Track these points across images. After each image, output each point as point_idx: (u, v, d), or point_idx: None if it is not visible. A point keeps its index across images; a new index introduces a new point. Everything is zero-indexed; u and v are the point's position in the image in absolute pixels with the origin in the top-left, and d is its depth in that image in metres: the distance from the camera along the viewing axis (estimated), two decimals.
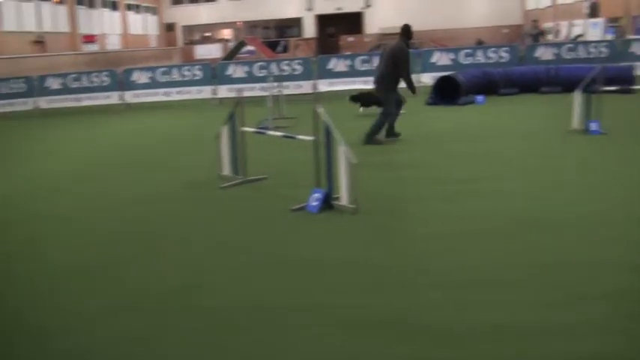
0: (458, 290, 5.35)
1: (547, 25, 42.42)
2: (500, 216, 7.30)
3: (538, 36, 30.65)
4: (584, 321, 4.68)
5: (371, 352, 4.41)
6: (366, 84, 20.52)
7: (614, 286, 5.29)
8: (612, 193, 8.02)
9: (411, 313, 4.95)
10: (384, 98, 12.19)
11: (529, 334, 4.52)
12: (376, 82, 12.24)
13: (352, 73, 20.77)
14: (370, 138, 11.90)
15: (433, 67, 20.50)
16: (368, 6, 52.24)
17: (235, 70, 20.98)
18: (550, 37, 40.38)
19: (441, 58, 20.93)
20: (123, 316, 5.17)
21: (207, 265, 6.23)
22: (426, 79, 20.21)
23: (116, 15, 49.02)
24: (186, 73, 21.27)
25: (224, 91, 20.55)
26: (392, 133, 12.26)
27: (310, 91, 20.11)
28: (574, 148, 10.87)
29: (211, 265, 6.24)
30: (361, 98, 16.19)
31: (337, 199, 7.77)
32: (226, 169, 9.50)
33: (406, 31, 12.04)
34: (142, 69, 22.09)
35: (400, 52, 11.79)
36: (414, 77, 20.26)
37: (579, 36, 35.16)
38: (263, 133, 9.86)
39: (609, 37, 31.06)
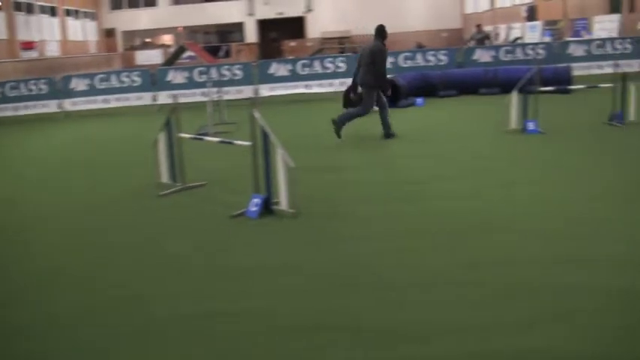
0: (399, 291, 5.36)
1: (486, 28, 42.98)
2: (443, 216, 7.35)
3: (483, 39, 31.06)
4: (530, 316, 4.75)
5: (313, 357, 4.39)
6: (308, 88, 20.64)
7: (559, 281, 5.37)
8: (554, 191, 8.16)
9: (352, 315, 4.93)
10: (365, 95, 12.37)
11: (473, 332, 4.56)
12: (361, 84, 12.47)
13: (293, 77, 20.77)
14: (340, 124, 12.41)
15: None
16: (309, 10, 52.31)
17: (175, 76, 20.75)
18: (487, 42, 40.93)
19: None
20: (60, 330, 5.04)
21: (146, 275, 6.12)
22: None
23: (55, 21, 48.18)
24: (125, 79, 20.93)
25: (164, 98, 20.21)
26: (389, 134, 12.51)
27: (252, 96, 19.97)
28: (512, 147, 11.04)
29: (151, 274, 6.13)
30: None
31: (277, 203, 7.73)
32: (165, 177, 9.38)
33: (381, 31, 12.44)
34: (80, 76, 21.63)
35: (379, 51, 12.17)
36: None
37: (518, 39, 35.73)
38: (200, 139, 9.76)
39: (547, 39, 31.69)
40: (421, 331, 4.64)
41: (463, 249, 6.28)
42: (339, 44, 45.53)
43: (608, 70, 16.76)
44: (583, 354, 4.23)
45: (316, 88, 20.80)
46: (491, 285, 5.38)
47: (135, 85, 20.77)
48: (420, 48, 31.84)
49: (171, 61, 29.30)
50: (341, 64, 20.91)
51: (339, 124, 12.42)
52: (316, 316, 4.97)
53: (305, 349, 4.50)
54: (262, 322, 4.93)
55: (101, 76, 21.11)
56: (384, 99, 12.53)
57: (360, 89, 12.51)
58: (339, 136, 12.42)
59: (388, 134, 12.49)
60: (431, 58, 21.11)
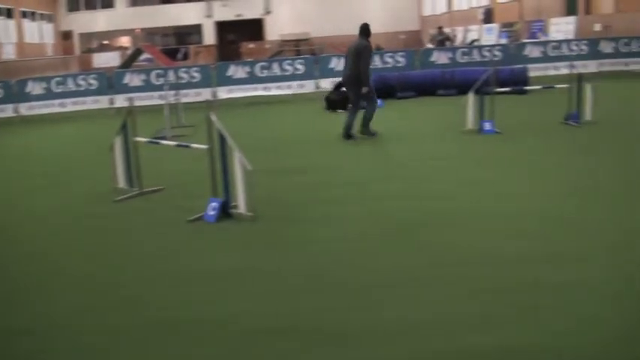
0: (361, 292, 5.36)
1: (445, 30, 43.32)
2: (403, 217, 7.38)
3: (444, 41, 31.39)
4: (493, 313, 4.82)
5: None
6: (266, 90, 20.58)
7: (522, 277, 5.45)
8: (511, 190, 8.26)
9: (314, 318, 4.92)
10: (364, 93, 12.49)
11: (437, 330, 4.60)
12: (347, 82, 12.71)
13: (252, 79, 20.67)
14: (367, 129, 12.61)
15: (332, 73, 20.58)
16: (268, 12, 52.23)
17: (132, 79, 20.46)
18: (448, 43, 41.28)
19: (339, 64, 21.01)
20: (18, 340, 4.93)
21: (103, 283, 6.00)
22: (326, 84, 20.32)
23: (11, 23, 47.40)
24: (81, 82, 20.55)
25: (121, 101, 19.84)
26: (349, 135, 12.59)
27: (210, 99, 19.83)
28: (469, 147, 11.15)
29: (108, 282, 6.01)
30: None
31: (235, 207, 7.67)
32: (121, 182, 9.25)
33: (366, 29, 12.69)
34: (35, 79, 21.26)
35: (365, 48, 12.40)
36: (312, 83, 20.54)
37: (475, 41, 36.08)
38: (157, 143, 9.64)
39: (503, 41, 32.04)
40: (385, 332, 4.63)
41: (425, 249, 6.30)
42: (295, 47, 45.43)
43: (564, 71, 16.99)
44: (546, 349, 4.28)
45: (275, 90, 20.74)
46: (455, 283, 5.42)
47: (92, 88, 20.42)
48: (379, 50, 31.97)
49: (128, 63, 28.99)
50: (299, 67, 20.87)
51: (366, 131, 12.61)
52: (278, 320, 4.94)
53: (268, 354, 4.46)
54: (224, 327, 4.88)
55: (58, 79, 20.72)
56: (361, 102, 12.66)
57: (344, 88, 12.83)
58: (373, 134, 12.63)
59: (348, 135, 12.51)
60: (389, 59, 21.20)
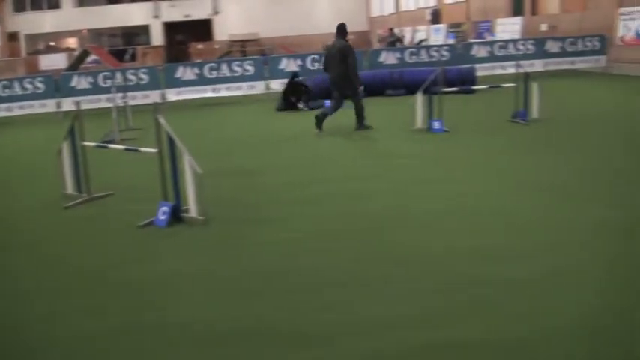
0: (315, 293, 5.38)
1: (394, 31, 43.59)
2: (356, 216, 7.43)
3: (395, 43, 31.65)
4: (439, 310, 4.88)
5: None
6: (216, 92, 20.44)
7: (475, 274, 5.53)
8: (460, 188, 8.36)
9: (269, 320, 4.91)
10: (350, 90, 12.98)
11: (386, 329, 4.63)
12: (335, 82, 13.03)
13: (201, 81, 20.52)
14: (361, 124, 13.13)
15: (281, 74, 20.55)
16: (216, 13, 51.90)
17: (79, 81, 20.07)
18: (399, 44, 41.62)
19: (289, 64, 21.03)
20: None
21: (53, 292, 5.87)
22: (275, 85, 20.31)
23: None
24: (28, 85, 20.05)
25: (68, 104, 19.30)
26: (319, 125, 13.08)
27: (158, 101, 19.59)
28: (419, 146, 11.27)
29: (60, 291, 5.88)
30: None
31: (186, 211, 7.60)
32: (70, 188, 9.09)
33: (343, 29, 13.10)
34: None
35: (348, 48, 12.81)
36: (262, 84, 20.52)
37: (423, 41, 36.36)
38: (105, 147, 9.46)
39: (451, 41, 32.36)
40: (341, 331, 4.66)
41: (377, 247, 6.36)
42: (243, 47, 45.24)
43: (511, 71, 17.16)
44: (496, 343, 4.34)
45: (225, 91, 20.63)
46: (409, 280, 5.47)
47: (38, 91, 19.91)
48: None
49: (75, 65, 28.52)
50: (249, 67, 20.78)
51: (361, 126, 13.12)
52: (232, 323, 4.91)
53: (221, 357, 4.44)
54: (178, 332, 4.83)
55: (4, 82, 20.21)
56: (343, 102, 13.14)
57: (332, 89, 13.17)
58: (368, 127, 13.14)
59: (319, 126, 13.08)
60: None
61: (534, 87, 12.97)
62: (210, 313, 5.12)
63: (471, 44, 23.52)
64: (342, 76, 12.83)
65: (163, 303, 5.43)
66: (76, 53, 37.02)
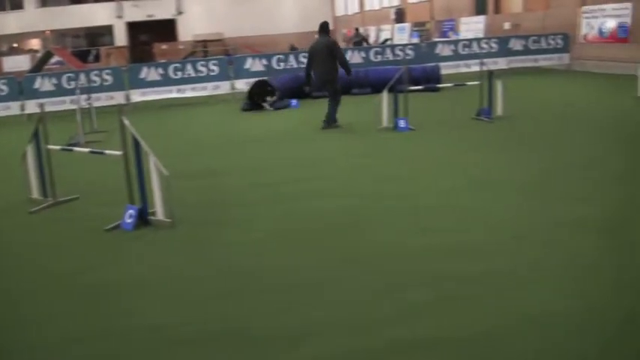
0: (282, 293, 5.38)
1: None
2: (321, 215, 7.45)
3: (361, 42, 31.79)
4: (404, 308, 4.91)
5: None
6: (181, 92, 20.34)
7: (435, 271, 5.59)
8: (425, 185, 8.44)
9: (239, 322, 4.91)
10: (332, 88, 13.29)
11: (356, 328, 4.65)
12: (320, 79, 13.33)
13: (166, 82, 20.41)
14: (329, 123, 13.39)
15: (247, 73, 20.55)
16: (180, 13, 51.62)
17: (43, 83, 19.81)
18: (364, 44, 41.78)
19: (254, 64, 21.01)
20: None
21: (17, 299, 5.80)
22: (240, 85, 20.29)
23: None
24: None
25: (32, 106, 19.05)
26: (330, 124, 13.46)
27: (122, 103, 19.41)
28: (384, 144, 11.37)
29: (22, 298, 5.82)
30: None
31: (153, 213, 7.57)
32: (35, 192, 8.98)
33: (326, 27, 13.42)
34: None
35: (334, 44, 13.20)
36: (227, 84, 20.48)
37: (387, 40, 36.55)
38: (70, 150, 9.36)
39: (415, 40, 32.56)
40: (307, 332, 4.67)
41: (343, 246, 6.39)
42: (207, 47, 45.05)
43: (475, 69, 17.35)
44: (462, 339, 4.38)
45: (190, 92, 20.54)
46: (371, 279, 5.50)
47: (2, 94, 19.50)
48: (293, 50, 32.08)
49: (39, 67, 28.25)
50: (214, 67, 20.72)
51: (330, 122, 13.41)
52: (203, 326, 4.90)
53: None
54: (150, 336, 4.81)
55: None
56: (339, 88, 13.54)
57: (313, 83, 13.60)
58: (338, 126, 13.43)
59: (329, 124, 13.43)
60: (303, 59, 21.14)
61: (498, 85, 13.11)
62: (179, 316, 5.11)
63: (436, 43, 23.72)
64: (329, 71, 13.13)
65: (132, 306, 5.39)
66: (40, 55, 36.62)
